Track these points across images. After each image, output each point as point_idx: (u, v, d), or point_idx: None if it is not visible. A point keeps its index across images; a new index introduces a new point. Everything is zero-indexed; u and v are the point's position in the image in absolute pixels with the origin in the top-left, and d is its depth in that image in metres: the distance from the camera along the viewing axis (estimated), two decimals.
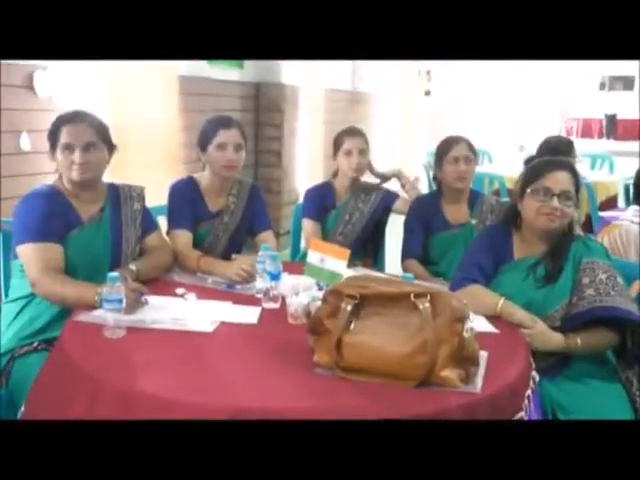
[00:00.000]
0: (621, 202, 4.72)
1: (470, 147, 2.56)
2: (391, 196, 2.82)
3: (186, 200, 2.31)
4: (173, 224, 2.30)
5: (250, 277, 2.01)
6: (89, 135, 1.91)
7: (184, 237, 2.26)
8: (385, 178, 2.85)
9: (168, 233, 2.30)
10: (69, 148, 1.89)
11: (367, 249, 2.89)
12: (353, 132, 2.73)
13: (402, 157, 8.00)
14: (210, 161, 2.30)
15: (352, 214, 2.76)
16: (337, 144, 2.72)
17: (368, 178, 2.86)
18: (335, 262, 1.83)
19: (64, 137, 1.89)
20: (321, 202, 2.76)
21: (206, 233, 2.36)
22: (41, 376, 1.55)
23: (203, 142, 2.30)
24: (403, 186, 2.83)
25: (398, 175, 2.86)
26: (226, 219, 2.39)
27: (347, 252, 1.85)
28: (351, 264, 2.42)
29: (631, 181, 4.53)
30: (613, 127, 11.47)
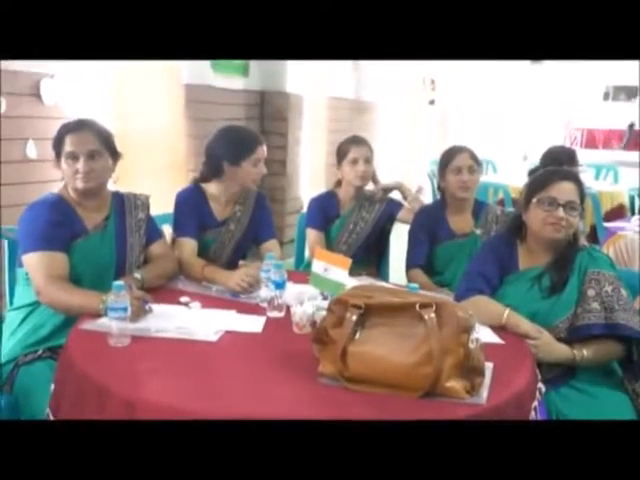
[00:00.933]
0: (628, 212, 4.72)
1: (473, 157, 2.55)
2: (395, 205, 2.82)
3: (192, 209, 2.31)
4: (179, 232, 2.30)
5: (251, 287, 2.00)
6: (93, 143, 1.92)
7: (189, 245, 2.26)
8: (387, 190, 2.84)
9: (174, 241, 2.30)
10: (73, 157, 1.90)
11: (371, 258, 2.88)
12: (358, 141, 2.73)
13: (406, 166, 8.00)
14: (242, 175, 2.30)
15: (356, 223, 2.76)
16: (342, 153, 2.72)
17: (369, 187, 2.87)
18: (338, 271, 1.83)
19: (68, 146, 1.90)
20: (325, 211, 2.76)
21: (212, 241, 2.36)
22: (55, 385, 1.54)
23: (236, 157, 2.28)
24: (405, 198, 2.83)
25: (399, 187, 2.85)
26: (232, 227, 2.39)
27: (349, 261, 1.85)
28: (355, 273, 2.42)
29: (636, 192, 4.54)
30: (631, 136, 11.45)
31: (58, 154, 1.93)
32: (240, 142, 2.32)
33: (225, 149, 2.30)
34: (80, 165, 1.89)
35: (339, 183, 2.80)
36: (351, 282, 1.97)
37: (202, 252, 2.31)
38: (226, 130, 2.38)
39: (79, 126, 1.94)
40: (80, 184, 1.91)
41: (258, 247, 2.47)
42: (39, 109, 3.06)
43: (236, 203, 2.40)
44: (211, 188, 2.37)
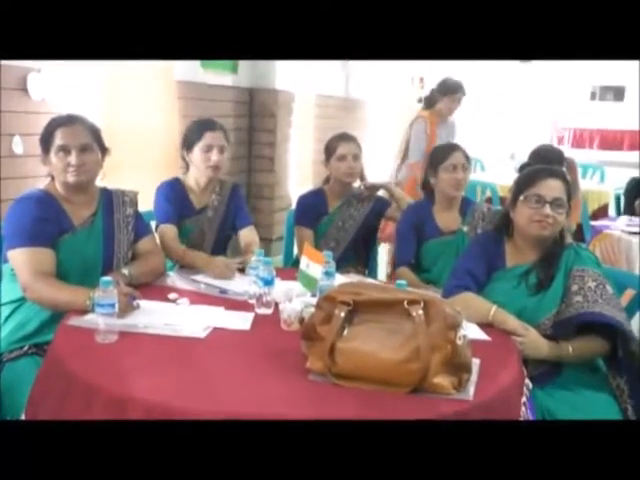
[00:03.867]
0: (612, 211, 4.76)
1: (465, 155, 2.58)
2: (383, 203, 2.83)
3: (171, 199, 2.42)
4: (160, 220, 2.40)
5: (230, 272, 2.14)
6: (85, 137, 1.92)
7: (170, 231, 2.37)
8: (374, 188, 2.85)
9: (156, 230, 2.37)
10: (65, 150, 1.89)
11: (360, 255, 2.88)
12: (346, 137, 2.75)
13: (394, 164, 8.00)
14: (195, 161, 2.41)
15: (344, 220, 2.76)
16: (330, 149, 2.72)
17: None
18: (315, 267, 1.86)
19: (59, 139, 1.89)
20: (313, 209, 2.76)
21: (192, 228, 2.46)
22: (37, 381, 1.54)
23: (188, 143, 2.42)
24: (391, 196, 2.84)
25: (386, 186, 2.86)
26: (210, 214, 2.49)
27: (323, 257, 1.88)
28: (344, 270, 2.43)
29: (622, 191, 4.58)
30: None
31: (46, 149, 1.91)
32: (190, 129, 2.45)
33: (182, 138, 2.47)
34: (72, 158, 1.88)
35: (327, 180, 2.81)
36: (339, 279, 1.98)
37: (183, 239, 2.41)
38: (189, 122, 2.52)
39: (70, 120, 1.94)
40: (72, 178, 1.90)
41: (236, 234, 2.57)
42: (26, 104, 3.04)
43: (212, 192, 2.50)
44: (188, 179, 2.48)
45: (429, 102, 4.31)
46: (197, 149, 2.38)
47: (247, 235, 2.52)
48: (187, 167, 2.49)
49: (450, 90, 4.24)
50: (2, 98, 2.91)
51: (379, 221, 2.88)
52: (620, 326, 1.78)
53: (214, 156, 2.37)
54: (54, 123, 1.92)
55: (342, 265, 2.50)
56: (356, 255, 2.84)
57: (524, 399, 1.50)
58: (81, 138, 1.91)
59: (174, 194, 2.43)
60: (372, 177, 2.95)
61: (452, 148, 2.59)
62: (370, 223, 2.82)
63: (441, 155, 2.57)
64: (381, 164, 7.44)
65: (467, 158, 2.57)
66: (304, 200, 2.82)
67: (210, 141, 2.36)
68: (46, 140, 1.91)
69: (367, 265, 2.93)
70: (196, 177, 2.46)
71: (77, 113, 2.02)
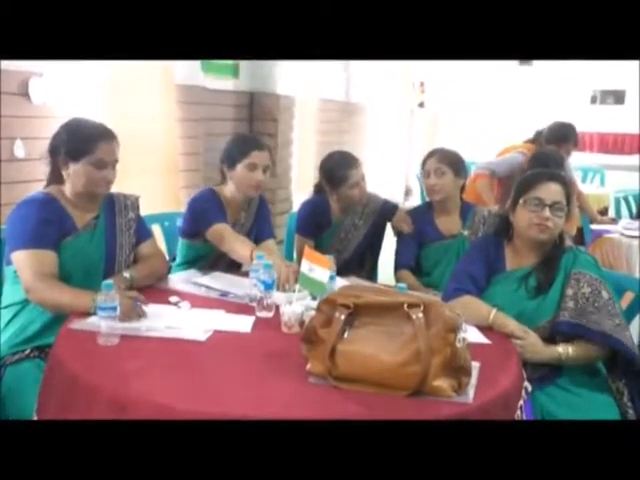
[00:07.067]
0: (612, 215, 4.76)
1: (443, 159, 2.52)
2: (390, 205, 2.77)
3: (213, 206, 2.33)
4: (211, 221, 2.28)
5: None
6: (118, 153, 1.96)
7: (227, 228, 2.27)
8: None
9: (208, 231, 2.28)
10: (101, 164, 1.90)
11: (366, 264, 2.81)
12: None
13: (395, 168, 8.03)
14: (237, 179, 2.32)
15: (348, 231, 2.72)
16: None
17: None
18: (320, 271, 1.85)
19: (100, 153, 1.90)
20: (315, 219, 2.71)
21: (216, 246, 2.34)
22: (43, 384, 1.54)
23: (231, 160, 2.32)
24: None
25: None
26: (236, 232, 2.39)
27: (329, 260, 1.85)
28: (344, 274, 2.42)
29: (622, 194, 4.58)
30: None
31: (76, 157, 1.89)
32: (235, 145, 2.36)
33: (224, 152, 2.36)
34: (107, 173, 1.92)
35: (321, 189, 2.73)
36: (340, 282, 1.98)
37: (207, 255, 2.35)
38: (231, 136, 2.44)
39: (111, 135, 1.95)
40: (99, 189, 1.94)
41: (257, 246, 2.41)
42: (28, 108, 3.05)
43: (242, 209, 2.43)
44: (224, 193, 2.39)
45: (535, 139, 3.99)
46: (241, 167, 2.29)
47: (267, 249, 2.30)
48: (223, 180, 2.40)
49: (558, 139, 3.83)
50: (4, 102, 2.92)
51: (385, 226, 2.80)
52: (607, 341, 1.79)
53: (258, 176, 2.29)
54: (95, 134, 1.92)
55: (344, 273, 2.44)
56: (361, 264, 2.77)
57: (521, 402, 1.50)
58: (116, 154, 1.95)
59: (214, 204, 2.34)
60: (373, 181, 2.93)
61: (428, 154, 2.58)
62: (376, 230, 2.76)
63: (422, 161, 2.59)
64: (381, 168, 7.46)
65: (446, 162, 2.51)
66: (308, 207, 2.75)
67: (256, 160, 2.29)
68: (79, 148, 1.89)
69: (370, 272, 2.83)
70: (233, 193, 2.36)
71: (109, 128, 2.00)
